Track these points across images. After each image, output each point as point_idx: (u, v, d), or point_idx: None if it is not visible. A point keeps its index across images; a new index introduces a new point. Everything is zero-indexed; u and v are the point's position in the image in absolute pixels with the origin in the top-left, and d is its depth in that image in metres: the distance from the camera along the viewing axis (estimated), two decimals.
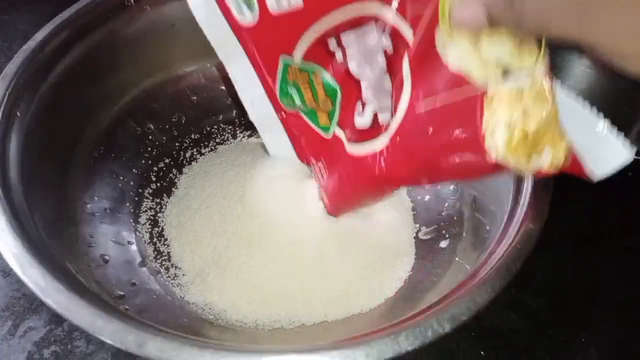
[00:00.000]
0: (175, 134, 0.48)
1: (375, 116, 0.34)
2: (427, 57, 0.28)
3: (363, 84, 0.35)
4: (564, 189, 0.34)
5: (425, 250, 0.41)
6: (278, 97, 0.39)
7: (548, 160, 0.25)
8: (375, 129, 0.33)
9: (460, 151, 0.27)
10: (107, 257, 0.38)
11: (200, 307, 0.37)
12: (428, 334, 0.27)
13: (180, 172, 0.46)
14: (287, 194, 0.42)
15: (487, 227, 0.36)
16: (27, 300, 0.38)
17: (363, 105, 0.35)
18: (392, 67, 0.32)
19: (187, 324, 0.35)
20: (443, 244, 0.40)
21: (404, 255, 0.41)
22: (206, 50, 0.48)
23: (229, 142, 0.49)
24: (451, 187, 0.43)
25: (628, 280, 0.44)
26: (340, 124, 0.38)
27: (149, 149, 0.46)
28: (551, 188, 0.34)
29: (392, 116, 0.31)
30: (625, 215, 0.48)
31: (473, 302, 0.28)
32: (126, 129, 0.45)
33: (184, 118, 0.48)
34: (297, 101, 0.38)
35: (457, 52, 0.26)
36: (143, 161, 0.45)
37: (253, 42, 0.36)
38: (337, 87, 0.36)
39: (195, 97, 0.49)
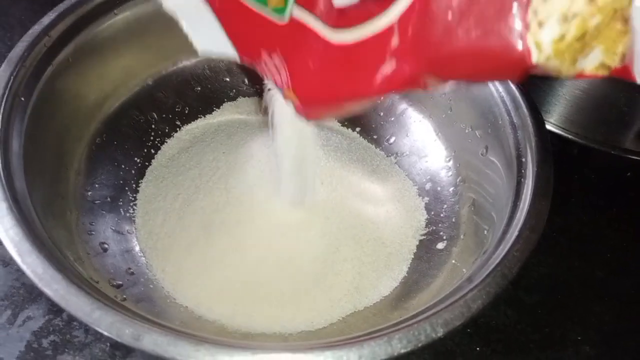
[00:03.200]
0: (179, 123, 0.48)
1: None
2: None
3: None
4: (560, 185, 0.34)
5: (422, 251, 0.41)
6: None
7: (596, 62, 0.22)
8: (368, 8, 0.26)
9: (493, 44, 0.22)
10: (106, 246, 0.38)
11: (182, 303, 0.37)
12: (421, 338, 0.27)
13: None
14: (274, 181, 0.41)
15: (485, 232, 0.37)
16: (27, 290, 0.38)
17: None
18: None
19: (184, 316, 0.36)
20: (440, 245, 0.41)
21: (402, 254, 0.41)
22: None
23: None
24: (451, 190, 0.43)
25: (622, 277, 0.44)
26: (303, 3, 0.29)
27: (152, 137, 0.46)
28: (551, 195, 0.34)
29: None
30: (621, 214, 0.48)
31: (467, 308, 0.28)
32: (129, 117, 0.45)
33: (187, 108, 0.48)
34: None
35: None
36: (145, 150, 0.45)
37: None
38: None
39: (199, 88, 0.49)
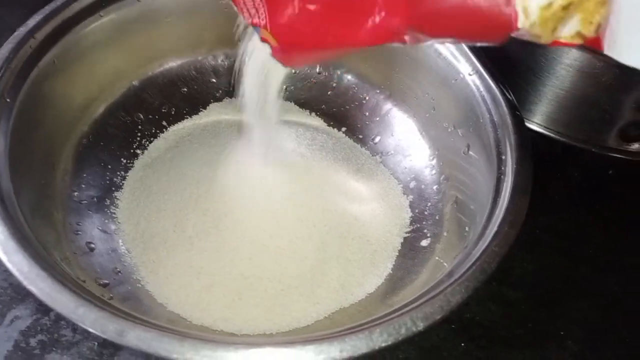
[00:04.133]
0: (165, 124, 0.48)
1: None
2: None
3: None
4: (544, 184, 0.35)
5: (407, 249, 0.41)
6: None
7: (573, 31, 0.22)
8: None
9: (482, 4, 0.22)
10: (92, 245, 0.38)
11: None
12: (401, 331, 0.28)
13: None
14: (261, 179, 0.42)
15: (467, 228, 0.37)
16: (14, 290, 0.39)
17: None
18: None
19: (170, 315, 0.36)
20: (424, 242, 0.41)
21: (387, 252, 0.41)
22: (198, 42, 0.50)
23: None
24: (434, 187, 0.44)
25: (605, 274, 0.45)
26: None
27: (138, 138, 0.46)
28: (529, 191, 0.35)
29: None
30: (603, 211, 0.49)
31: (447, 302, 0.29)
32: (116, 118, 0.45)
33: (173, 109, 0.49)
34: None
35: None
36: (132, 151, 0.45)
37: None
38: None
39: (185, 89, 0.50)
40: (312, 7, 0.27)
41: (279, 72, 0.36)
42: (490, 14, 0.22)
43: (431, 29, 0.25)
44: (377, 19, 0.25)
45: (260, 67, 0.35)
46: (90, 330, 0.26)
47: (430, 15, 0.24)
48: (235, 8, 0.32)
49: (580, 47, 0.23)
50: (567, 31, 0.22)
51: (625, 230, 0.48)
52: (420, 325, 0.28)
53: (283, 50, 0.29)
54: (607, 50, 0.23)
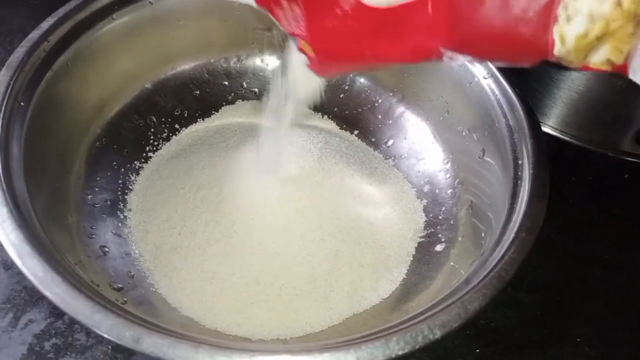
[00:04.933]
0: (177, 127, 0.48)
1: None
2: None
3: None
4: (558, 187, 0.35)
5: (421, 253, 0.41)
6: None
7: (603, 58, 0.23)
8: None
9: (522, 29, 0.22)
10: (106, 249, 0.38)
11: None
12: (418, 339, 0.27)
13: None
14: (273, 184, 0.41)
15: (483, 234, 0.37)
16: (28, 293, 0.39)
17: None
18: None
19: (184, 319, 0.36)
20: (438, 247, 0.41)
21: (401, 256, 0.41)
22: (210, 45, 0.50)
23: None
24: (449, 192, 0.44)
25: (620, 277, 0.45)
26: None
27: (151, 141, 0.46)
28: (547, 197, 0.34)
29: None
30: (618, 215, 0.49)
31: (464, 310, 0.28)
32: (129, 121, 0.45)
33: (186, 112, 0.49)
34: None
35: None
36: (144, 154, 0.45)
37: None
38: None
39: (198, 92, 0.50)
40: (351, 23, 0.27)
41: (312, 81, 0.36)
42: (528, 41, 0.23)
43: (467, 49, 0.25)
44: (417, 40, 0.26)
45: (295, 75, 0.35)
46: (106, 336, 0.26)
47: (470, 39, 0.24)
48: (272, 17, 0.32)
49: (607, 73, 0.23)
50: (598, 58, 0.23)
51: None
52: (438, 333, 0.28)
53: (320, 61, 0.30)
54: (632, 76, 0.23)
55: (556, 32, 0.22)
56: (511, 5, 0.22)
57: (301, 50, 0.31)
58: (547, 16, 0.22)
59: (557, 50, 0.22)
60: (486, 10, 0.23)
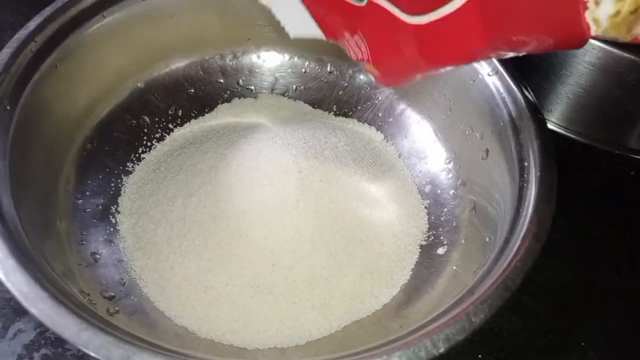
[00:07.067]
0: (171, 126, 0.47)
1: None
2: None
3: None
4: (563, 185, 0.34)
5: (423, 257, 0.40)
6: None
7: None
8: None
9: (553, 21, 0.24)
10: (97, 256, 0.37)
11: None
12: (422, 355, 0.26)
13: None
14: (270, 185, 0.40)
15: (487, 239, 0.36)
16: (17, 303, 0.36)
17: None
18: None
19: (178, 328, 0.35)
20: (440, 250, 0.40)
21: (402, 260, 0.40)
22: (205, 42, 0.48)
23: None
24: (451, 192, 0.42)
25: (627, 278, 0.44)
26: None
27: (144, 142, 0.45)
28: (554, 201, 0.33)
29: None
30: (624, 213, 0.48)
31: (469, 322, 0.27)
32: (121, 121, 0.44)
33: (180, 111, 0.47)
34: None
35: None
36: (138, 155, 0.44)
37: None
38: None
39: (192, 90, 0.48)
40: (406, 48, 0.31)
41: None
42: (564, 30, 0.24)
43: (507, 47, 0.26)
44: (462, 45, 0.28)
45: None
46: (94, 355, 0.25)
47: (509, 36, 0.26)
48: (342, 47, 0.37)
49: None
50: None
51: None
52: (442, 348, 0.27)
53: (385, 77, 0.35)
54: None
55: (589, 16, 0.22)
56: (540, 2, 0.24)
57: (368, 71, 0.36)
58: (576, 6, 0.22)
59: (594, 31, 0.23)
60: (520, 9, 0.24)
